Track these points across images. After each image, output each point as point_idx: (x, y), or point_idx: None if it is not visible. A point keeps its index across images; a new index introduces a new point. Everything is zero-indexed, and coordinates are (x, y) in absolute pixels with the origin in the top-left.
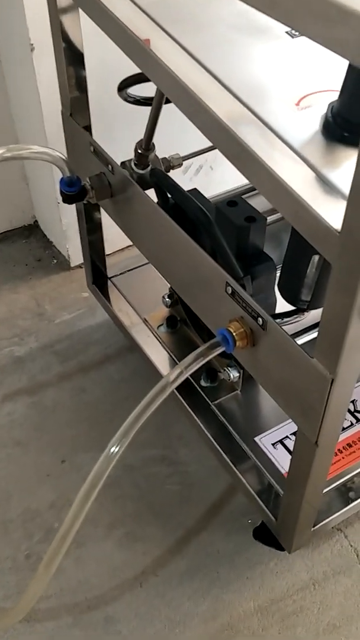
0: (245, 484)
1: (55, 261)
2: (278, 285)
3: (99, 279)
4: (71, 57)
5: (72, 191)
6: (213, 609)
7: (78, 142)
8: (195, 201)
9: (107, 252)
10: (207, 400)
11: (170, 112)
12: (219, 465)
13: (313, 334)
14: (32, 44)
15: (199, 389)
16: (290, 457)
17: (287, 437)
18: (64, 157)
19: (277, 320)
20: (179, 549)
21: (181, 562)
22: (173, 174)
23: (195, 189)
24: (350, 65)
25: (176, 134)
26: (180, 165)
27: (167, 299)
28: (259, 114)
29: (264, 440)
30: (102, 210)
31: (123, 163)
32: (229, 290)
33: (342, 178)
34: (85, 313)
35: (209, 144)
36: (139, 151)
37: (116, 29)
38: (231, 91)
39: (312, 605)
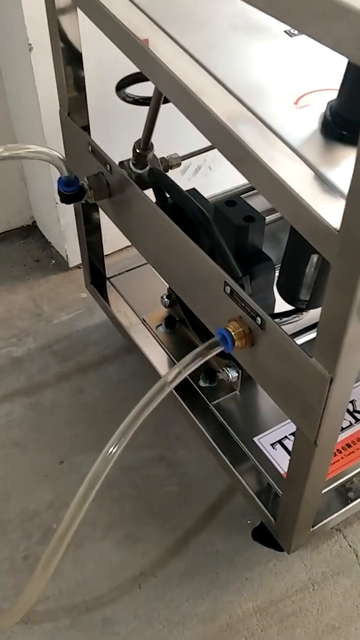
0: (244, 484)
1: (53, 262)
2: (277, 285)
3: (98, 279)
4: (69, 57)
5: (70, 191)
6: (212, 609)
7: (76, 141)
8: (193, 201)
9: (106, 252)
10: (206, 400)
11: (168, 112)
12: (218, 465)
13: (312, 334)
14: (30, 44)
15: (198, 390)
16: (289, 457)
17: (286, 437)
18: (61, 157)
19: (276, 320)
20: (178, 550)
21: (180, 563)
22: (171, 174)
23: (193, 189)
24: (348, 64)
25: (175, 134)
26: (178, 165)
27: (166, 299)
28: (258, 113)
29: (263, 441)
30: (100, 210)
31: (121, 163)
32: (228, 289)
33: (341, 177)
34: (84, 313)
35: (207, 143)
36: (137, 151)
37: (114, 29)
38: (230, 90)
39: (311, 606)
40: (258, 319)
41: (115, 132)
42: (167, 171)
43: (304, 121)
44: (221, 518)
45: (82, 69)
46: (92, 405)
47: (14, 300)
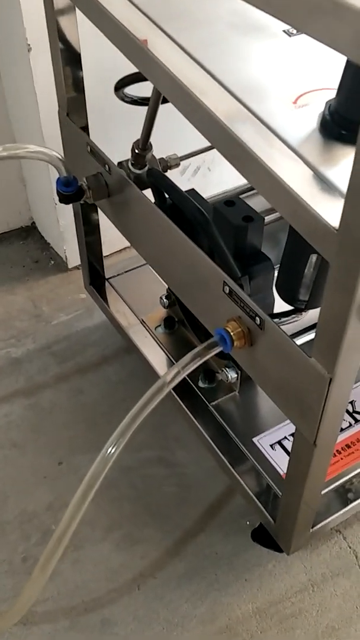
0: (243, 485)
1: (52, 262)
2: (276, 285)
3: (97, 280)
4: (68, 57)
5: (68, 191)
6: (211, 611)
7: (75, 142)
8: (192, 201)
9: (105, 253)
10: (205, 401)
11: (167, 112)
12: (217, 466)
13: (311, 335)
14: (29, 44)
15: (197, 390)
16: (288, 458)
17: (285, 438)
18: (60, 157)
19: (275, 320)
20: (177, 551)
21: (179, 564)
22: (171, 175)
23: (192, 189)
24: (347, 63)
25: (174, 134)
26: (177, 165)
27: (165, 300)
28: (257, 113)
29: (262, 442)
30: (99, 211)
31: (120, 163)
32: (227, 289)
33: (340, 176)
34: (83, 314)
35: (206, 144)
36: (136, 151)
37: (113, 28)
38: (228, 90)
39: (311, 607)
40: (257, 319)
41: (114, 132)
42: (166, 171)
43: (303, 120)
44: (220, 519)
45: (81, 69)
46: (91, 406)
47: (13, 301)
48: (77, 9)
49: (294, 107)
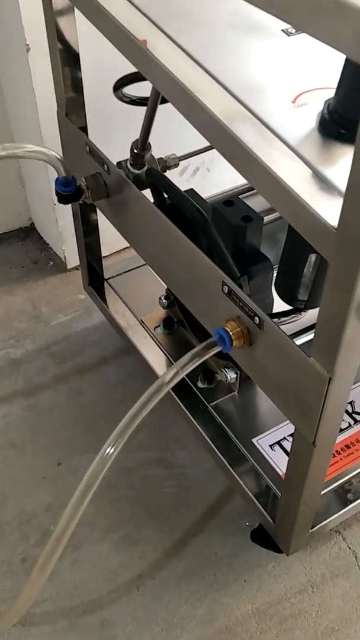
0: (242, 486)
1: (51, 263)
2: (275, 285)
3: (96, 280)
4: (67, 57)
5: (67, 191)
6: (211, 612)
7: (74, 142)
8: (191, 201)
9: (104, 254)
10: (204, 401)
11: (166, 112)
12: (216, 467)
13: (310, 335)
14: (27, 44)
15: (196, 391)
16: (288, 458)
17: (284, 438)
18: (59, 157)
19: (274, 320)
20: (176, 552)
21: (178, 565)
22: (170, 176)
23: (191, 189)
24: (346, 62)
25: (173, 134)
26: (176, 165)
27: (164, 300)
28: (256, 112)
29: (262, 442)
30: (98, 211)
31: (119, 163)
32: (226, 289)
33: (339, 175)
34: (82, 315)
35: (205, 144)
36: (135, 151)
37: (113, 29)
38: (227, 89)
39: (311, 608)
40: (256, 318)
41: (113, 132)
42: (165, 171)
43: (302, 120)
44: (220, 520)
45: (80, 69)
46: (90, 407)
47: (12, 301)
48: (76, 9)
49: (292, 107)
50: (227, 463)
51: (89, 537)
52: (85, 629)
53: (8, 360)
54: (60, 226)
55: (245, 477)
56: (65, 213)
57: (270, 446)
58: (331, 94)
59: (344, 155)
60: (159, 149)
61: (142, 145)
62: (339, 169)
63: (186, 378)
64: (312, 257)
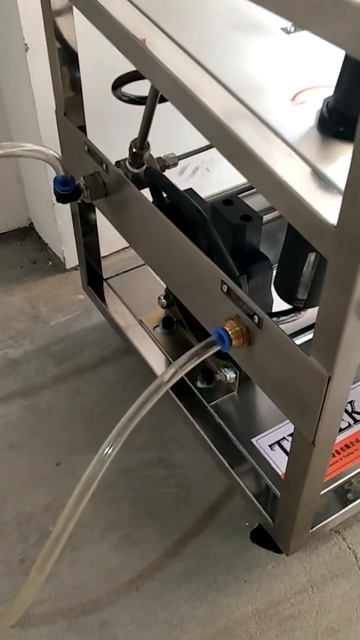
0: (242, 486)
1: (50, 263)
2: (274, 284)
3: (95, 280)
4: (65, 57)
5: (66, 190)
6: (210, 612)
7: (72, 141)
8: (190, 200)
9: (103, 254)
10: (204, 401)
11: (165, 112)
12: (216, 467)
13: (310, 334)
14: (26, 44)
15: (195, 391)
16: (287, 458)
17: (284, 438)
18: (57, 156)
19: (274, 319)
20: (176, 552)
21: (178, 565)
22: (169, 175)
23: (190, 189)
24: (345, 60)
25: (172, 134)
26: (175, 164)
27: (163, 300)
28: (255, 110)
29: (261, 442)
30: (97, 211)
31: (118, 162)
32: (225, 288)
33: (338, 173)
34: (81, 315)
35: (205, 143)
36: (134, 150)
37: (112, 28)
38: (227, 87)
39: (310, 608)
40: (255, 317)
41: (112, 131)
42: (164, 171)
43: (301, 118)
44: (219, 520)
45: (78, 69)
46: (89, 407)
47: (11, 302)
48: (74, 8)
49: (292, 105)
50: (226, 463)
51: (88, 538)
52: (85, 629)
53: (7, 361)
54: (59, 226)
55: (245, 477)
56: (64, 213)
57: (270, 446)
58: (330, 92)
59: (343, 153)
60: (157, 148)
61: (140, 144)
62: (338, 167)
63: (185, 378)
64: (312, 256)
